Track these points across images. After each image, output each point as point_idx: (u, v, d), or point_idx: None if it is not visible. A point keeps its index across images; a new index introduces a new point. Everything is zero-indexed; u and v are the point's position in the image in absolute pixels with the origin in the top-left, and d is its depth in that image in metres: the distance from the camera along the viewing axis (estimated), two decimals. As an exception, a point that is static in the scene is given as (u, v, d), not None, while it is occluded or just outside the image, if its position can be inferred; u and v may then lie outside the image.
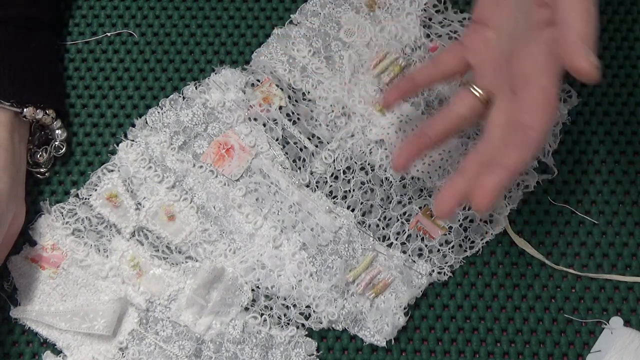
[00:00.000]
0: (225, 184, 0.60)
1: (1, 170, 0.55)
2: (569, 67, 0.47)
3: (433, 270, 0.59)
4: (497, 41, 0.55)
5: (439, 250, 0.59)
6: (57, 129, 0.61)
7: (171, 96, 0.63)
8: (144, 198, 0.60)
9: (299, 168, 0.61)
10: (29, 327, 0.57)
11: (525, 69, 0.51)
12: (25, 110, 0.58)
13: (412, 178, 0.61)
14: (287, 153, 0.61)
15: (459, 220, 0.60)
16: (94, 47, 0.65)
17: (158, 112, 0.62)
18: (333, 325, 0.58)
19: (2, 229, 0.54)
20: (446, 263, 0.59)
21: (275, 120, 0.62)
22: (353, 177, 0.61)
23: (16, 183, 0.57)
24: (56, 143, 0.61)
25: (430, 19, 0.65)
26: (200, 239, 0.59)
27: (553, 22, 0.48)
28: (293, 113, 0.62)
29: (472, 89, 0.55)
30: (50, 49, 0.63)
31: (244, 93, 0.63)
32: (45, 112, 0.60)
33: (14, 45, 0.59)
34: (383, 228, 0.60)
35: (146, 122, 0.62)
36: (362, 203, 0.60)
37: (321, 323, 0.57)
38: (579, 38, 0.47)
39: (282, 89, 0.63)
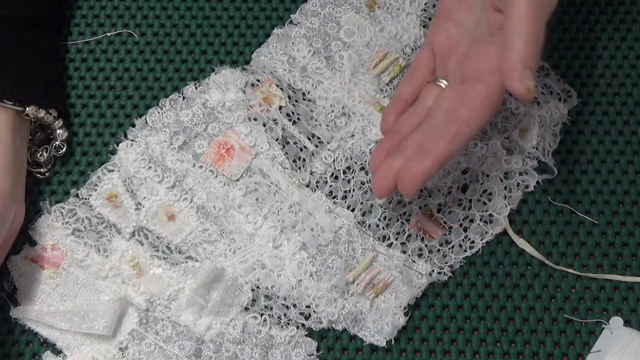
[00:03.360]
0: (225, 184, 0.60)
1: (3, 169, 0.55)
2: (507, 87, 0.50)
3: (433, 270, 0.59)
4: (457, 33, 0.57)
5: (439, 250, 0.59)
6: (58, 128, 0.61)
7: (171, 96, 0.63)
8: (144, 198, 0.60)
9: (299, 168, 0.61)
10: (29, 327, 0.57)
11: (479, 66, 0.53)
12: (27, 109, 0.58)
13: (412, 178, 0.61)
14: (287, 153, 0.61)
15: (459, 220, 0.60)
16: (94, 47, 0.65)
17: (158, 112, 0.62)
18: (333, 325, 0.58)
19: (3, 228, 0.54)
20: (446, 263, 0.59)
21: (275, 120, 0.62)
22: (353, 177, 0.61)
23: (17, 183, 0.57)
24: (57, 143, 0.61)
25: (430, 19, 0.65)
26: (200, 239, 0.59)
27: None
28: (293, 113, 0.62)
29: (437, 82, 0.57)
30: (51, 49, 0.63)
31: (244, 93, 0.63)
32: (47, 112, 0.60)
33: (15, 45, 0.59)
34: (383, 228, 0.60)
35: (146, 122, 0.62)
36: (362, 203, 0.60)
37: (321, 323, 0.57)
38: (519, 61, 0.49)
39: (282, 89, 0.63)
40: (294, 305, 0.58)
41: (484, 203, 0.60)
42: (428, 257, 0.59)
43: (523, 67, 0.49)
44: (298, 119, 0.62)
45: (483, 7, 0.55)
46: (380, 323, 0.58)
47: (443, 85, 0.56)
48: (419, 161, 0.52)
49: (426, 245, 0.59)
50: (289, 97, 0.63)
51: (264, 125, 0.62)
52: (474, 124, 0.52)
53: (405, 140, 0.54)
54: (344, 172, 0.61)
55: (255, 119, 0.62)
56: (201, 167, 0.61)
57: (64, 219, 0.59)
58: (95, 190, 0.60)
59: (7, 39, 0.59)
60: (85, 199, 0.60)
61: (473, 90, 0.52)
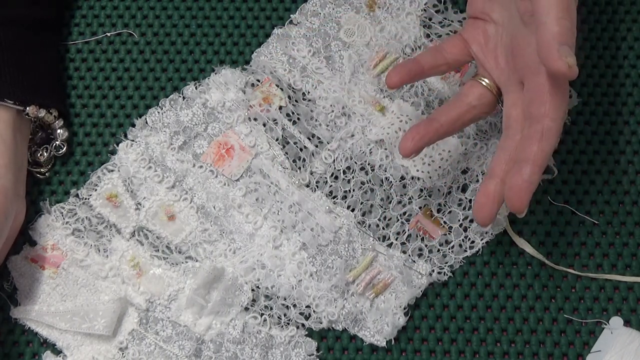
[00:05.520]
0: (225, 184, 0.60)
1: (5, 167, 0.56)
2: (547, 69, 0.48)
3: (433, 270, 0.59)
4: (497, 35, 0.56)
5: (439, 250, 0.59)
6: (59, 128, 0.61)
7: (171, 96, 0.63)
8: (144, 198, 0.60)
9: (299, 168, 0.61)
10: (29, 327, 0.57)
11: (528, 60, 0.51)
12: (28, 108, 0.58)
13: (412, 178, 0.61)
14: (287, 153, 0.61)
15: (459, 220, 0.60)
16: (94, 47, 0.65)
17: (158, 112, 0.62)
18: (333, 325, 0.58)
19: (6, 226, 0.55)
20: (446, 263, 0.59)
21: (275, 120, 0.62)
22: (353, 177, 0.61)
23: (19, 181, 0.57)
24: (57, 142, 0.61)
25: (430, 19, 0.65)
26: (200, 239, 0.59)
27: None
28: (293, 113, 0.62)
29: (479, 80, 0.56)
30: (53, 49, 0.63)
31: (244, 93, 0.63)
32: (48, 111, 0.60)
33: (16, 45, 0.59)
34: (383, 228, 0.60)
35: (146, 122, 0.62)
36: (362, 203, 0.60)
37: (321, 323, 0.57)
38: (553, 39, 0.47)
39: (282, 89, 0.63)
40: (294, 305, 0.58)
41: (484, 203, 0.60)
42: (428, 257, 0.59)
43: (559, 44, 0.47)
44: (298, 119, 0.62)
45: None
46: (380, 323, 0.58)
47: (484, 83, 0.55)
48: (518, 173, 0.50)
49: (426, 245, 0.59)
50: (289, 97, 0.63)
51: (264, 125, 0.62)
52: (554, 114, 0.50)
53: (489, 167, 0.53)
54: (344, 172, 0.61)
55: (255, 119, 0.62)
56: (201, 167, 0.61)
57: (64, 219, 0.59)
58: (95, 190, 0.60)
59: (9, 39, 0.59)
60: (85, 199, 0.60)
61: (535, 84, 0.50)
